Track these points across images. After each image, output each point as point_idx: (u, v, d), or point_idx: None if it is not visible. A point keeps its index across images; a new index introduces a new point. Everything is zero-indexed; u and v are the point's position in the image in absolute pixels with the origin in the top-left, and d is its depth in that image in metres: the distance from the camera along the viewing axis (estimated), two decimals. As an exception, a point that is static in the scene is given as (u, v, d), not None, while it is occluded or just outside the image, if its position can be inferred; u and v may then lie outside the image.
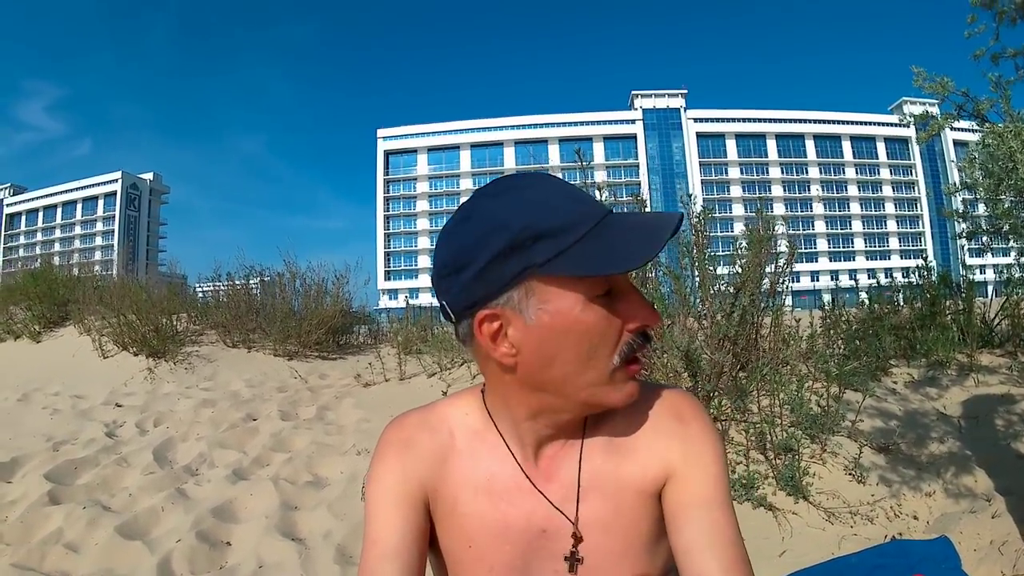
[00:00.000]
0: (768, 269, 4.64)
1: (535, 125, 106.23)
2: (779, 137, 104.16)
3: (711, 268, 4.60)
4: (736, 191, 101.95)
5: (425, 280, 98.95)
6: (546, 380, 0.92)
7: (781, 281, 4.75)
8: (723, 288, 4.67)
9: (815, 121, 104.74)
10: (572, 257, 0.84)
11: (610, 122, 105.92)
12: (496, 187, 0.92)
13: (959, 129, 3.16)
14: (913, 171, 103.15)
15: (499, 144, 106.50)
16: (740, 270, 4.51)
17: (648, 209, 4.76)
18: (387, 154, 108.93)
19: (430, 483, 1.02)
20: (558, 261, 0.85)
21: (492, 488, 1.00)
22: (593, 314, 0.87)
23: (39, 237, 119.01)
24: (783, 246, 4.83)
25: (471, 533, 1.00)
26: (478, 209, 0.91)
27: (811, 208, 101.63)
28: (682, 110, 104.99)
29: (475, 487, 1.01)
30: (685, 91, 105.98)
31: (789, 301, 4.99)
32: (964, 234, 3.34)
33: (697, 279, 4.75)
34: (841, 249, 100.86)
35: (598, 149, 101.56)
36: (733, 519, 0.92)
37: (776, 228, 4.81)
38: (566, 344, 0.89)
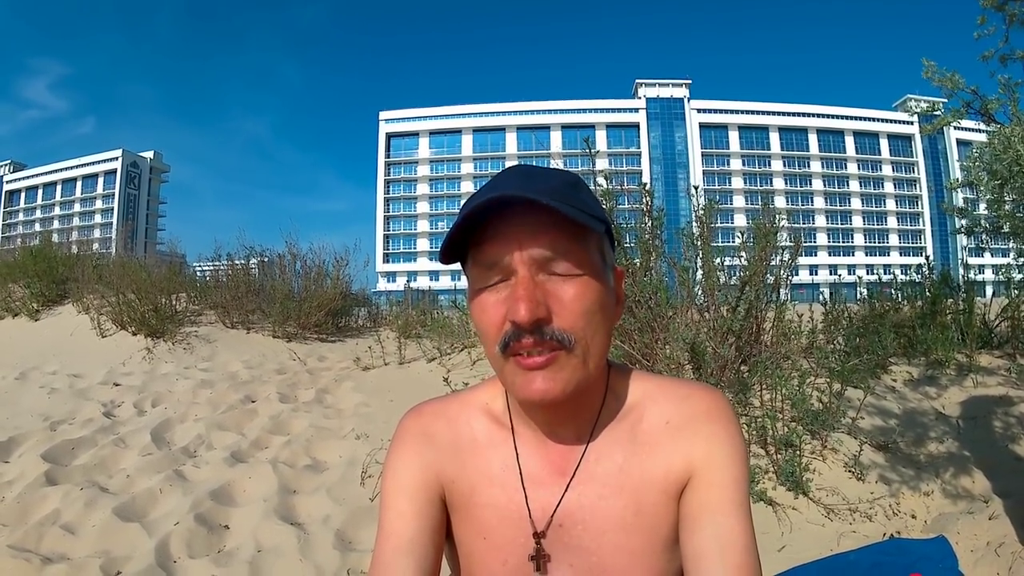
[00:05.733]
0: (773, 262, 4.64)
1: (538, 111, 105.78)
2: (782, 130, 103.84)
3: (717, 260, 4.61)
4: (738, 183, 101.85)
5: (424, 263, 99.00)
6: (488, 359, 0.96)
7: (786, 276, 4.75)
8: (729, 281, 4.67)
9: (819, 115, 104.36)
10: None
11: (613, 110, 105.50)
12: None
13: (963, 128, 3.16)
14: (915, 169, 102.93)
15: (501, 129, 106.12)
16: (746, 263, 4.52)
17: (650, 200, 4.74)
18: (389, 137, 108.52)
19: (446, 475, 1.02)
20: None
21: (507, 480, 1.00)
22: (480, 301, 0.90)
23: (38, 214, 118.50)
24: (788, 241, 4.83)
25: (486, 525, 1.00)
26: None
27: (812, 202, 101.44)
28: (686, 100, 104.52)
29: (490, 478, 1.01)
30: (689, 81, 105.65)
31: (785, 294, 4.99)
32: (963, 229, 3.33)
33: (701, 271, 4.75)
34: (841, 244, 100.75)
35: (600, 137, 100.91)
36: (749, 527, 0.90)
37: (781, 222, 4.81)
38: (476, 327, 0.93)
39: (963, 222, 3.33)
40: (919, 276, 5.81)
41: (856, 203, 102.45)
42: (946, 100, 3.09)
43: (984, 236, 3.25)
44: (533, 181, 0.87)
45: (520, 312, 0.83)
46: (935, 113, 3.16)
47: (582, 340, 0.87)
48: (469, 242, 0.89)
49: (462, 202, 0.95)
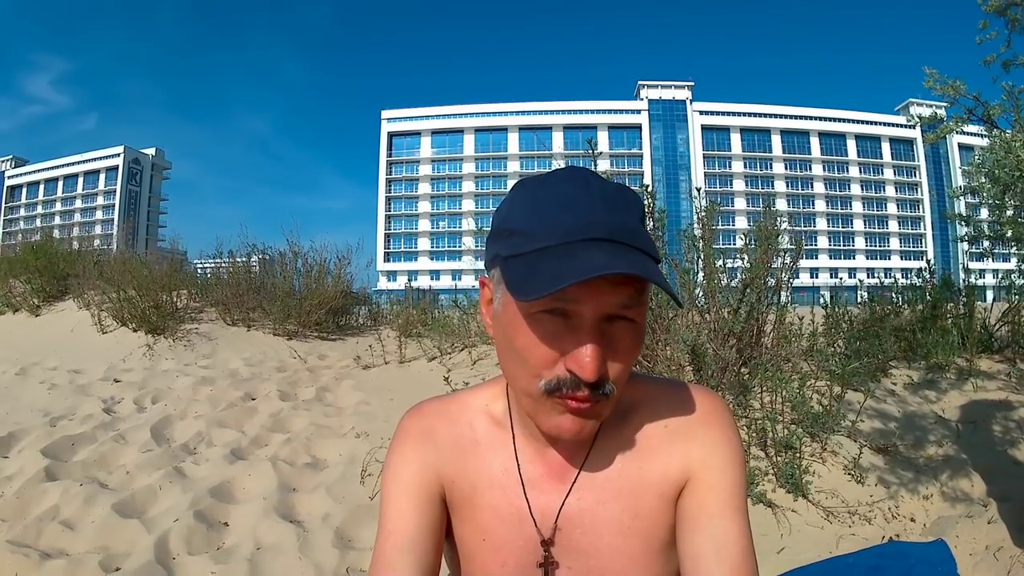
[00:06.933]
0: (774, 264, 4.64)
1: (540, 112, 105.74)
2: (784, 133, 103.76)
3: (718, 263, 4.61)
4: (739, 185, 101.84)
5: (425, 263, 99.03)
6: (504, 369, 0.94)
7: (787, 279, 4.75)
8: (730, 283, 4.67)
9: (820, 119, 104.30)
10: (518, 265, 0.83)
11: (615, 111, 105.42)
12: (550, 172, 0.91)
13: (965, 133, 3.14)
14: (917, 172, 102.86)
15: (503, 129, 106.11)
16: (748, 265, 4.52)
17: (652, 202, 4.75)
18: (391, 136, 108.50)
19: (447, 474, 1.02)
20: (512, 262, 0.84)
21: (507, 483, 1.00)
22: (532, 327, 0.85)
23: (40, 210, 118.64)
24: (789, 243, 4.83)
25: (486, 526, 1.00)
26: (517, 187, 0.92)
27: (813, 205, 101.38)
28: (688, 102, 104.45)
29: (491, 480, 1.01)
30: (691, 83, 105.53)
31: (786, 296, 4.99)
32: (966, 238, 3.33)
33: (702, 273, 4.75)
34: (842, 247, 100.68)
35: (602, 138, 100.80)
36: (746, 529, 0.91)
37: (782, 225, 4.82)
38: (507, 342, 0.89)
39: (966, 230, 3.32)
40: (920, 280, 5.81)
41: (857, 206, 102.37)
42: (948, 106, 3.09)
43: (987, 243, 3.24)
44: (616, 213, 0.83)
45: (588, 372, 0.81)
46: (938, 122, 3.16)
47: (620, 386, 0.87)
48: (533, 264, 0.82)
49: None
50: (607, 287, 0.81)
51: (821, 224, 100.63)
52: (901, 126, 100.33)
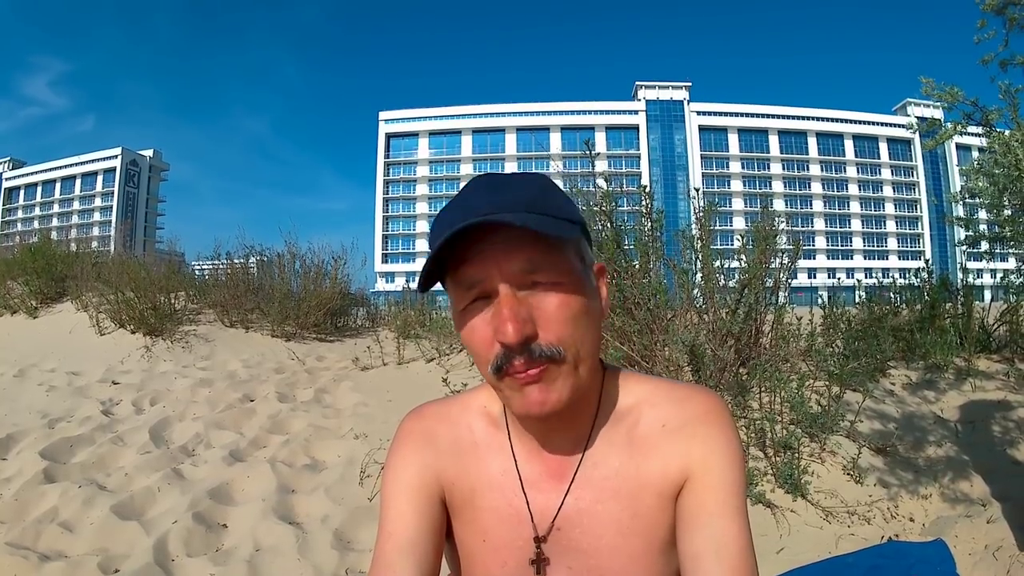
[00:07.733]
0: (772, 265, 4.65)
1: (538, 112, 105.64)
2: (782, 133, 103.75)
3: (716, 263, 4.61)
4: (737, 185, 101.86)
5: (422, 264, 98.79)
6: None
7: (785, 279, 4.75)
8: (728, 284, 4.68)
9: (818, 119, 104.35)
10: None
11: (613, 112, 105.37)
12: None
13: (964, 133, 3.13)
14: (914, 173, 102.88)
15: (501, 130, 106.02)
16: (746, 266, 4.52)
17: (650, 202, 4.74)
18: (388, 137, 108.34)
19: (447, 476, 1.03)
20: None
21: (506, 484, 1.00)
22: (465, 321, 0.90)
23: (37, 212, 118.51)
24: (787, 244, 4.83)
25: (486, 527, 1.00)
26: None
27: (811, 205, 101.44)
28: (685, 102, 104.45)
29: (490, 482, 1.01)
30: (689, 83, 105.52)
31: (784, 297, 5.00)
32: (967, 241, 3.32)
33: (700, 274, 4.76)
34: (839, 248, 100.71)
35: (600, 138, 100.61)
36: (746, 529, 0.91)
37: (780, 225, 4.82)
38: (464, 343, 0.93)
39: (966, 234, 3.32)
40: (918, 280, 5.81)
41: (855, 207, 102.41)
42: (946, 108, 3.08)
43: (986, 245, 3.24)
44: (501, 193, 0.87)
45: (507, 333, 0.83)
46: (937, 127, 3.15)
47: (571, 348, 0.87)
48: (447, 262, 0.88)
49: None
50: (500, 255, 0.85)
51: (819, 224, 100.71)
52: (898, 126, 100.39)
